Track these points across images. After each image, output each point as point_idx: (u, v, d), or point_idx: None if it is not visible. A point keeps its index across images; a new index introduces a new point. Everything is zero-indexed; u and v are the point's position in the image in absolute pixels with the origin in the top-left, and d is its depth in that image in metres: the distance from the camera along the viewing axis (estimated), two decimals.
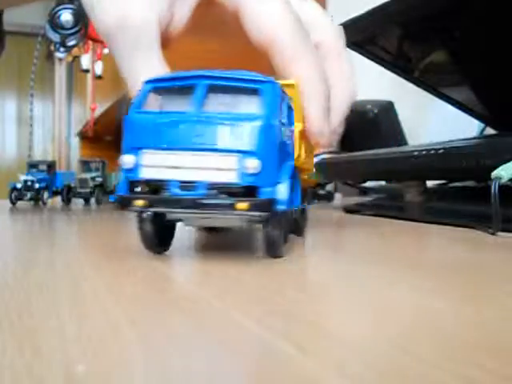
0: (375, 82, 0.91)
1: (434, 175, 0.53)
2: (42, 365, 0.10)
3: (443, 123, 0.86)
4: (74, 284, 0.19)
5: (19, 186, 0.67)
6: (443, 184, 0.60)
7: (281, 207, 0.22)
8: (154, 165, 0.22)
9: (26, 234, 0.37)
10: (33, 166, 0.74)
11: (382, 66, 0.65)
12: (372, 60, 0.63)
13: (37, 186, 0.69)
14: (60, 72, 2.71)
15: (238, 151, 0.21)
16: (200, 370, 0.11)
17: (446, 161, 0.45)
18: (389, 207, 0.52)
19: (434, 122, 0.95)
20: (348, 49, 0.36)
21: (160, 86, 0.23)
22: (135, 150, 0.22)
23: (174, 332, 0.13)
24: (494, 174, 0.34)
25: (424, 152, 0.47)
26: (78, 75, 2.51)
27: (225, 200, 0.21)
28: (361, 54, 0.62)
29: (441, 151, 0.45)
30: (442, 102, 0.69)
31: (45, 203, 0.70)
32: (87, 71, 1.11)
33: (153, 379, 0.10)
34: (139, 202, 0.21)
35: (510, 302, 0.17)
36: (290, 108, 0.26)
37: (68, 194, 0.74)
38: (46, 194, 0.71)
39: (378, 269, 0.23)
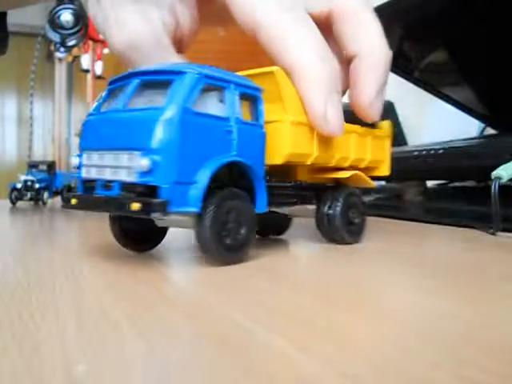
0: None
1: (433, 175, 0.53)
2: (41, 365, 0.10)
3: (443, 123, 0.85)
4: (74, 284, 0.19)
5: (19, 186, 0.67)
6: (443, 184, 0.60)
7: (186, 209, 0.20)
8: (88, 164, 0.22)
9: (26, 234, 0.37)
10: (33, 166, 0.74)
11: None
12: None
13: (37, 186, 0.69)
14: (60, 72, 2.71)
15: (138, 149, 0.20)
16: (200, 370, 0.11)
17: (446, 161, 0.45)
18: (389, 207, 0.52)
19: (434, 122, 0.95)
20: None
21: (112, 88, 0.23)
22: (83, 150, 0.23)
23: (173, 332, 0.13)
24: (494, 174, 0.34)
25: (424, 152, 0.47)
26: (77, 75, 2.51)
27: (123, 200, 0.20)
28: None
29: (441, 151, 0.45)
30: (442, 102, 0.69)
31: (45, 203, 0.70)
32: (87, 71, 1.11)
33: (152, 379, 0.10)
34: (73, 201, 0.22)
35: (510, 301, 0.17)
36: (251, 100, 0.24)
37: None
38: (46, 194, 0.71)
39: (377, 269, 0.23)
